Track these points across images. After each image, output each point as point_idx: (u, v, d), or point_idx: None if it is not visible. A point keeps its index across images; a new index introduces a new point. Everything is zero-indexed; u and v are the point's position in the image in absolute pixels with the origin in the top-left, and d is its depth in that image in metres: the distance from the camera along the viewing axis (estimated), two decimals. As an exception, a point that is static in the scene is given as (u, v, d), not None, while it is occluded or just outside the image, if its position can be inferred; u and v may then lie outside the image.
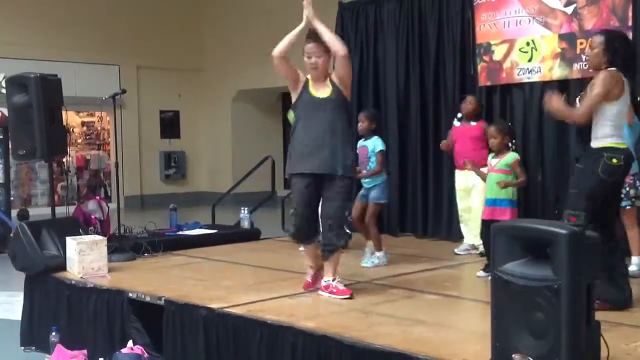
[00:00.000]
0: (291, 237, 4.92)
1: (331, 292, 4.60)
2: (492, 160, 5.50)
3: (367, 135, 5.99)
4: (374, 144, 5.92)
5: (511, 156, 5.43)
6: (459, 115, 6.52)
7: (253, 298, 4.61)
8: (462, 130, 6.41)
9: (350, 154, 4.72)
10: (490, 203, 5.41)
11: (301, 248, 6.71)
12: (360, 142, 6.01)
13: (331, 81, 4.66)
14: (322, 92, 4.66)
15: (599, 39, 4.31)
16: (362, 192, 6.02)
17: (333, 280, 4.62)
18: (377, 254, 5.86)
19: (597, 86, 4.15)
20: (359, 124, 6.01)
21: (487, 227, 5.31)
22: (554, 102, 4.26)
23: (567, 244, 2.86)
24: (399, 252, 6.44)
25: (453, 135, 6.52)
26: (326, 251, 4.66)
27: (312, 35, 4.61)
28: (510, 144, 5.50)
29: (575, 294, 2.86)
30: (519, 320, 2.98)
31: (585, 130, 4.31)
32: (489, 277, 5.13)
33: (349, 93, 4.79)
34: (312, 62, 4.63)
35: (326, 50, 4.61)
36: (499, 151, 5.46)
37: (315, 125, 4.63)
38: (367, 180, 5.93)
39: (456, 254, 6.46)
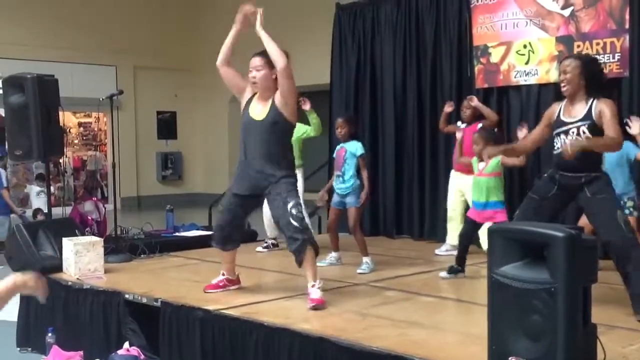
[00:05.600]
0: (213, 243, 4.88)
1: (309, 296, 4.45)
2: (480, 165, 5.57)
3: (347, 139, 5.90)
4: (355, 148, 5.82)
5: (496, 159, 5.50)
6: (460, 122, 6.52)
7: (249, 300, 4.60)
8: (465, 131, 6.41)
9: (283, 163, 4.56)
10: (479, 206, 5.48)
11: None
12: (339, 144, 5.95)
13: (273, 101, 4.54)
14: (260, 113, 4.58)
15: (574, 63, 4.29)
16: (335, 198, 5.92)
17: (312, 286, 4.43)
18: (365, 259, 5.70)
19: (613, 114, 4.16)
20: (339, 130, 5.92)
21: (471, 227, 5.41)
22: (576, 143, 4.11)
23: (563, 247, 2.86)
24: (395, 254, 6.44)
25: (456, 136, 6.49)
26: (294, 253, 4.48)
27: (261, 51, 4.56)
28: None
29: (571, 297, 2.86)
30: (516, 322, 2.97)
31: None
32: (450, 277, 5.30)
33: (292, 112, 4.59)
34: (251, 77, 4.58)
35: (267, 63, 4.52)
36: (482, 157, 5.52)
37: (249, 148, 4.65)
38: (341, 187, 5.80)
39: (436, 254, 6.48)
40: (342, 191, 5.81)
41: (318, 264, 5.51)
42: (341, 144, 5.93)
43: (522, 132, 5.58)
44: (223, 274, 4.91)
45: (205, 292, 4.81)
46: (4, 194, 9.19)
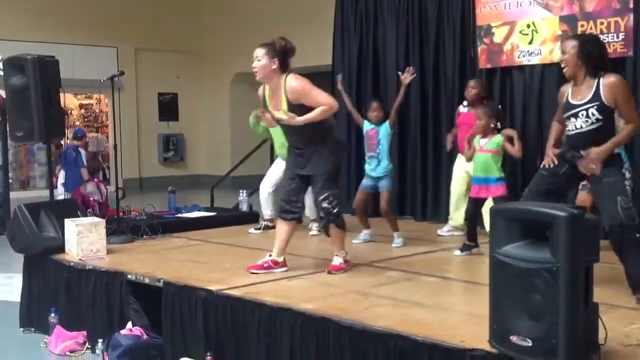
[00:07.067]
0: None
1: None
2: (481, 141, 5.63)
3: (380, 122, 6.01)
4: (386, 130, 5.98)
5: (499, 137, 5.59)
6: (465, 102, 6.52)
7: (251, 280, 4.62)
8: (467, 116, 6.41)
9: (325, 152, 4.74)
10: (479, 181, 5.57)
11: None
12: (369, 125, 6.06)
13: (286, 97, 4.60)
14: (278, 110, 4.69)
15: (571, 44, 4.26)
16: (366, 182, 6.08)
17: (335, 255, 4.86)
18: (397, 234, 6.01)
19: (625, 94, 4.13)
20: (374, 113, 6.03)
21: (474, 205, 5.52)
22: (594, 155, 4.11)
23: (565, 226, 2.85)
24: (397, 235, 6.42)
25: (457, 121, 6.54)
26: (322, 227, 4.93)
27: (264, 42, 4.65)
28: (497, 127, 5.65)
29: (573, 276, 2.86)
30: (517, 302, 2.98)
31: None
32: (465, 255, 5.40)
33: (311, 99, 4.61)
34: (252, 67, 4.65)
35: (267, 53, 4.57)
36: (485, 133, 5.60)
37: (289, 136, 4.91)
38: (376, 169, 5.98)
39: (439, 235, 6.59)
40: (377, 174, 6.00)
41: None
42: (372, 126, 6.04)
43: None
44: (270, 255, 4.92)
45: (250, 273, 4.80)
46: (82, 172, 9.55)
